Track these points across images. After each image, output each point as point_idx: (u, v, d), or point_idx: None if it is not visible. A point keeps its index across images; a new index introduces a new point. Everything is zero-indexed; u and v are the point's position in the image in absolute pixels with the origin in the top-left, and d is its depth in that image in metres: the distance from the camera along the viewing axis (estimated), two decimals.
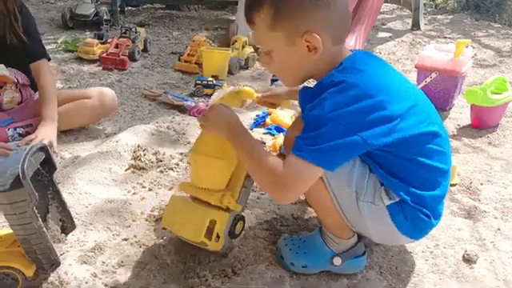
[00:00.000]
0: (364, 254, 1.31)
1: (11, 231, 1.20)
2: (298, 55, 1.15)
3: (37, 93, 1.97)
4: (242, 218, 1.34)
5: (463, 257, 1.39)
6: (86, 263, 1.28)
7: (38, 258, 1.17)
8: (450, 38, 3.93)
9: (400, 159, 1.15)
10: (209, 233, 1.24)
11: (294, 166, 1.09)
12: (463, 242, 1.47)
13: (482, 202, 1.69)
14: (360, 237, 1.30)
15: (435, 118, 1.23)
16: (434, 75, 2.36)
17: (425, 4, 4.71)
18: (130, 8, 4.34)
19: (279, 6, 1.11)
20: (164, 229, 1.40)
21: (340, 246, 1.28)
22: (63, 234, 1.31)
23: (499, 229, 1.53)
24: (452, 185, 1.76)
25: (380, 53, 3.43)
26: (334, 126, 1.05)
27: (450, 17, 4.67)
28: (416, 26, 4.06)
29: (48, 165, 1.25)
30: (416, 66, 2.47)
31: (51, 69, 2.03)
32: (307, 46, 1.13)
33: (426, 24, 4.25)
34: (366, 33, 3.13)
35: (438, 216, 1.24)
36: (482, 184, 1.80)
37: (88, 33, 3.52)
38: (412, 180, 1.17)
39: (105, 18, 3.59)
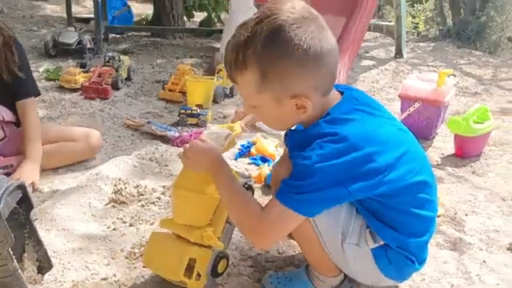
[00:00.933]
0: None
1: None
2: (285, 112, 1.12)
3: (19, 128, 1.94)
4: (226, 256, 1.31)
5: None
6: None
7: None
8: (432, 65, 3.99)
9: (387, 207, 1.14)
10: (189, 271, 1.21)
11: (275, 211, 1.08)
12: (449, 275, 1.45)
13: (466, 233, 1.68)
14: (346, 275, 1.27)
15: (425, 164, 1.22)
16: (417, 105, 2.38)
17: (407, 32, 4.80)
18: (114, 35, 4.34)
19: (266, 71, 1.05)
20: (144, 267, 1.36)
21: (325, 284, 1.26)
22: (40, 275, 1.26)
23: (484, 261, 1.52)
24: (437, 216, 1.75)
25: (364, 81, 3.46)
26: (321, 178, 1.04)
27: (432, 44, 4.77)
28: (399, 53, 4.13)
29: (25, 203, 1.21)
30: (399, 96, 2.49)
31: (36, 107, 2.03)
32: (295, 105, 1.10)
33: (408, 52, 4.32)
34: (349, 61, 3.16)
35: (422, 261, 1.24)
36: (466, 215, 1.80)
37: (71, 61, 3.49)
38: (398, 226, 1.16)
39: (88, 46, 3.57)
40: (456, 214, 1.79)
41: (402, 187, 1.12)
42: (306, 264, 1.31)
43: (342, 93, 1.18)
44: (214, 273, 1.28)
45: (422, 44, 4.74)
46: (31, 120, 1.90)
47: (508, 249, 1.60)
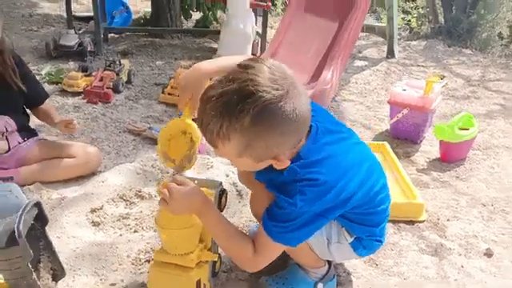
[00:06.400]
0: (335, 275, 1.50)
1: (1, 281, 1.28)
2: (262, 166, 1.21)
3: (25, 142, 2.08)
4: (219, 257, 1.46)
5: None
6: None
7: None
8: (423, 65, 4.10)
9: (357, 214, 1.33)
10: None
11: (268, 248, 1.25)
12: (429, 280, 1.59)
13: (448, 238, 1.81)
14: (329, 262, 1.49)
15: (379, 167, 1.39)
16: (405, 111, 2.50)
17: (399, 28, 4.87)
18: (112, 35, 4.40)
19: (251, 142, 1.10)
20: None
21: (318, 274, 1.46)
22: (53, 282, 1.38)
23: (462, 266, 1.65)
24: (420, 221, 1.88)
25: (356, 82, 3.57)
26: (306, 217, 1.20)
27: (424, 43, 4.85)
28: (391, 53, 4.22)
29: (41, 218, 1.32)
30: (388, 102, 2.61)
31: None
32: (273, 161, 1.18)
33: (400, 51, 4.41)
34: (342, 65, 3.26)
35: (384, 235, 1.46)
36: (448, 220, 1.92)
37: (72, 63, 3.57)
38: (366, 222, 1.36)
39: (89, 49, 3.65)
40: (439, 219, 1.92)
41: (367, 199, 1.30)
42: (295, 263, 1.48)
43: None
44: (214, 274, 1.45)
45: (413, 42, 4.82)
46: (47, 108, 2.25)
47: (485, 254, 1.73)
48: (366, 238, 1.38)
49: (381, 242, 1.43)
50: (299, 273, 1.47)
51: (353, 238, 1.37)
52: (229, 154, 1.16)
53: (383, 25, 4.34)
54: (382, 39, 4.65)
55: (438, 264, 1.66)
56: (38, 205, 1.30)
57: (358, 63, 4.05)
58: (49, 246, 1.37)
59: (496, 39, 5.09)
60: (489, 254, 1.72)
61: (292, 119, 1.09)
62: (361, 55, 4.29)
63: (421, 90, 2.53)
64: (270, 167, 1.21)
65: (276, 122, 1.08)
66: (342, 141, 1.31)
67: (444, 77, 3.76)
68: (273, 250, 1.27)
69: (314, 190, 1.18)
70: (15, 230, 1.16)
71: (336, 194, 1.20)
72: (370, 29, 4.47)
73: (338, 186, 1.20)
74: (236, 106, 1.06)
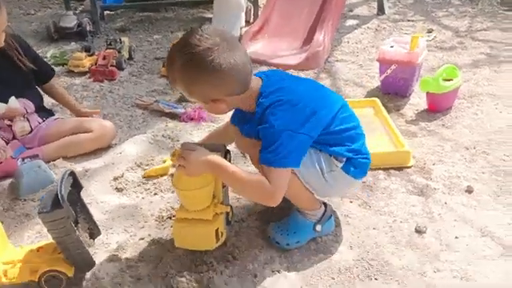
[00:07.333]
0: (331, 216, 1.69)
1: (49, 242, 1.51)
2: (212, 107, 1.49)
3: (45, 122, 2.27)
4: (231, 209, 1.67)
5: (415, 229, 1.73)
6: (113, 261, 1.58)
7: (77, 260, 1.46)
8: (412, 20, 4.22)
9: (332, 134, 1.53)
10: (216, 236, 1.56)
11: (274, 177, 1.42)
12: (416, 216, 1.80)
13: (433, 180, 2.02)
14: (325, 204, 1.69)
15: (335, 96, 1.66)
16: (393, 67, 2.67)
17: None
18: (108, 12, 4.50)
19: (188, 87, 1.43)
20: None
21: (316, 216, 1.66)
22: (91, 240, 1.60)
23: (446, 203, 1.87)
24: (408, 167, 2.09)
25: (348, 42, 3.70)
26: (286, 134, 1.40)
27: None
28: (381, 10, 4.34)
29: (76, 185, 1.53)
30: (378, 60, 2.77)
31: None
32: (216, 104, 1.46)
33: (390, 7, 4.52)
34: (333, 27, 3.40)
35: (369, 154, 1.65)
36: (434, 164, 2.13)
37: (73, 43, 3.73)
38: (345, 142, 1.57)
39: (88, 29, 3.79)
40: (425, 163, 2.12)
41: (332, 117, 1.52)
42: (295, 209, 1.68)
43: (261, 78, 1.54)
44: (228, 223, 1.66)
45: None
46: (60, 90, 2.48)
47: (466, 191, 1.94)
48: (354, 158, 1.57)
49: (367, 159, 1.62)
50: (299, 217, 1.67)
51: (342, 163, 1.56)
52: (182, 92, 1.48)
53: None
54: None
55: (424, 202, 1.87)
56: (72, 174, 1.51)
57: (350, 22, 4.17)
58: (84, 208, 1.59)
59: None
60: (469, 190, 1.93)
61: (217, 70, 1.36)
62: (352, 14, 4.41)
63: (407, 46, 2.69)
64: (245, 121, 1.54)
65: (201, 71, 1.37)
66: (290, 79, 1.62)
67: (432, 30, 3.90)
68: (280, 178, 1.43)
69: (282, 107, 1.43)
70: (58, 195, 1.37)
71: (301, 108, 1.43)
72: None
73: (301, 103, 1.44)
74: (173, 56, 1.41)
